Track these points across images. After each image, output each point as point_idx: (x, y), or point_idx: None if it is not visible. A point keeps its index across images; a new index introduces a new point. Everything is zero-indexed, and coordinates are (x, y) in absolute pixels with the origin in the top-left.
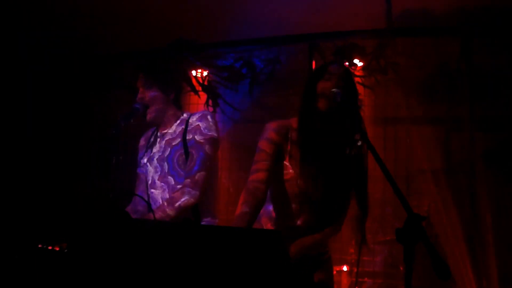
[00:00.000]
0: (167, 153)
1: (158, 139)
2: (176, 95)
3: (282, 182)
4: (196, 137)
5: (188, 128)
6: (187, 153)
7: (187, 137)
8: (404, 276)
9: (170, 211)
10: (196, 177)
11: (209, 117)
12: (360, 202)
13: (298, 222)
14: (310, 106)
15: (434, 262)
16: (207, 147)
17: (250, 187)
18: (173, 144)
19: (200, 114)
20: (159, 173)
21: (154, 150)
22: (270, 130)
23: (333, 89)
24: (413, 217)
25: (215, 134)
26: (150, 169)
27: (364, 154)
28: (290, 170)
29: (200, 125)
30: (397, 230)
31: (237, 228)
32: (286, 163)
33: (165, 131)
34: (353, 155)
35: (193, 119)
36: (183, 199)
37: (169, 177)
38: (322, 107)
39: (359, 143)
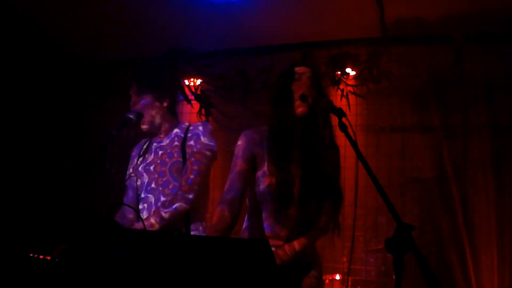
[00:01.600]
0: (164, 162)
1: (154, 148)
2: (170, 102)
3: (255, 193)
4: (195, 148)
5: (188, 140)
6: (184, 162)
7: (187, 149)
8: (395, 286)
9: (165, 215)
10: (191, 183)
11: (209, 128)
12: (333, 194)
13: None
14: (287, 108)
15: (423, 271)
16: (205, 158)
17: (226, 200)
18: (170, 153)
19: (201, 125)
20: (154, 181)
21: (149, 159)
22: (240, 141)
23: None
24: (403, 227)
25: (215, 146)
26: (145, 177)
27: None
28: (269, 177)
29: (201, 136)
30: (386, 240)
31: (225, 238)
32: (265, 169)
33: (161, 139)
34: (326, 153)
35: (193, 130)
36: (177, 204)
37: (165, 186)
38: (300, 109)
39: (326, 141)
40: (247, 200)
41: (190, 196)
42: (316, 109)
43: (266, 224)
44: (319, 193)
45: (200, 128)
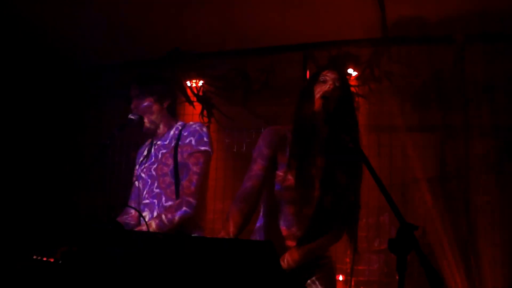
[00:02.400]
0: (160, 163)
1: (153, 150)
2: (170, 103)
3: (274, 192)
4: (191, 150)
5: (182, 140)
6: (176, 165)
7: (181, 150)
8: (398, 286)
9: (167, 221)
10: (194, 187)
11: (204, 129)
12: (351, 207)
13: (291, 233)
14: (308, 109)
15: (427, 271)
16: (202, 160)
17: (241, 195)
18: (166, 154)
19: (194, 127)
20: (155, 183)
21: (150, 160)
22: (264, 136)
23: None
24: (406, 227)
25: (209, 148)
26: (146, 179)
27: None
28: (289, 177)
29: (194, 138)
30: (389, 240)
31: (228, 239)
32: (283, 170)
33: (159, 141)
34: (348, 157)
35: (186, 131)
36: (182, 210)
37: (162, 188)
38: (319, 110)
39: (351, 145)
40: (263, 198)
41: (194, 201)
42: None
43: (282, 223)
44: (337, 198)
45: (196, 127)
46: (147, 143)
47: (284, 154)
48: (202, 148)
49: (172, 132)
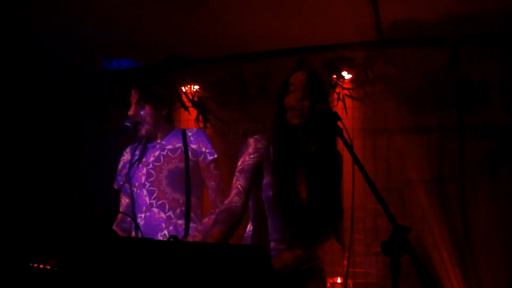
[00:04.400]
0: (163, 167)
1: (149, 153)
2: (168, 111)
3: (261, 199)
4: (205, 159)
5: (192, 147)
6: (188, 169)
7: (195, 157)
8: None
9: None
10: (221, 192)
11: (207, 136)
12: (336, 207)
13: (280, 237)
14: (282, 120)
15: (420, 273)
16: (216, 168)
17: (227, 206)
18: (169, 158)
19: (199, 131)
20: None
21: (145, 164)
22: (246, 146)
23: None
24: (398, 229)
25: (216, 154)
26: (142, 182)
27: (338, 156)
28: (275, 184)
29: (206, 141)
30: (382, 243)
31: (222, 244)
32: (268, 178)
33: (157, 145)
34: (328, 160)
35: (194, 135)
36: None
37: (166, 191)
38: (293, 120)
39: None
40: (251, 204)
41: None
42: (314, 115)
43: (271, 229)
44: (322, 201)
45: (201, 133)
46: (134, 146)
47: (268, 162)
48: (215, 156)
49: (172, 137)
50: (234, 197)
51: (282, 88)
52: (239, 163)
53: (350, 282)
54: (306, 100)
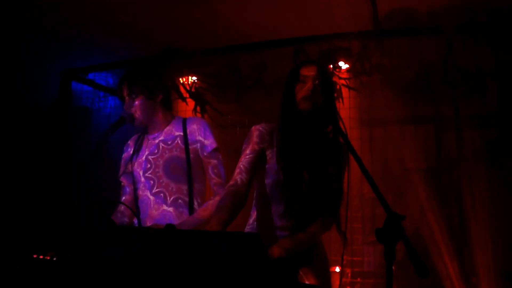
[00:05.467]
0: (163, 156)
1: (149, 143)
2: (163, 97)
3: (264, 185)
4: (209, 146)
5: (192, 137)
6: (188, 158)
7: (193, 146)
8: (386, 275)
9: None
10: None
11: (208, 126)
12: (337, 195)
13: (283, 224)
14: (291, 108)
15: (412, 260)
16: (221, 155)
17: (230, 190)
18: (169, 147)
19: (200, 120)
20: (154, 175)
21: (145, 154)
22: (252, 133)
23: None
24: (392, 217)
25: (217, 144)
26: (142, 172)
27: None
28: (278, 171)
29: (208, 130)
30: (377, 230)
31: (217, 232)
32: (274, 163)
33: (156, 134)
34: (331, 148)
35: (194, 124)
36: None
37: (167, 181)
38: (304, 108)
39: (331, 136)
40: (255, 191)
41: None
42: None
43: (275, 216)
44: (324, 188)
45: (202, 123)
46: (136, 137)
47: (272, 150)
48: (216, 144)
49: (172, 126)
50: (235, 183)
51: (292, 77)
52: (245, 146)
53: (348, 270)
54: (316, 92)
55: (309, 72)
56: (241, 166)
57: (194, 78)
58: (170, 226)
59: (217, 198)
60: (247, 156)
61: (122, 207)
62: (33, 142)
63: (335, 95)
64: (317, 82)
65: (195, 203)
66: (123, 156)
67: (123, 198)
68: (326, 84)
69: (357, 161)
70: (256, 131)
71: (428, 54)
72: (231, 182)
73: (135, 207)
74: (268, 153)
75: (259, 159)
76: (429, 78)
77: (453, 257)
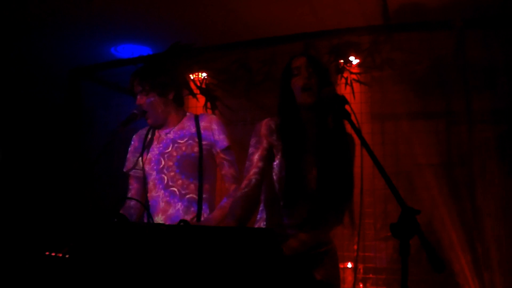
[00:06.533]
0: (175, 153)
1: (161, 139)
2: (176, 94)
3: (273, 181)
4: (222, 143)
5: (204, 134)
6: (201, 155)
7: (205, 143)
8: (402, 270)
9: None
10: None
11: (220, 123)
12: (347, 190)
13: (292, 221)
14: (290, 104)
15: (429, 255)
16: (229, 155)
17: (244, 192)
18: (181, 144)
19: (212, 117)
20: (166, 172)
21: (156, 150)
22: (257, 129)
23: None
24: (408, 211)
25: (229, 141)
26: (153, 168)
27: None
28: (285, 167)
29: (221, 130)
30: (391, 225)
31: (231, 228)
32: (278, 161)
33: (168, 130)
34: (337, 141)
35: (205, 124)
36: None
37: (179, 177)
38: (307, 100)
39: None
40: (263, 188)
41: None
42: (321, 100)
43: (283, 212)
44: (333, 183)
45: (214, 120)
46: (144, 131)
47: (278, 146)
48: (228, 140)
49: (184, 123)
50: (249, 175)
51: (286, 73)
52: (252, 144)
53: (360, 266)
54: (313, 78)
55: (299, 62)
56: (254, 165)
57: (204, 74)
58: (184, 222)
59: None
60: (258, 154)
61: (131, 202)
62: (44, 140)
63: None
64: (310, 70)
65: (205, 200)
66: (129, 149)
67: (132, 193)
68: (320, 71)
69: (371, 156)
70: (263, 125)
71: (438, 48)
72: (245, 182)
73: (145, 201)
74: (275, 149)
75: (269, 156)
76: (440, 72)
77: (466, 252)
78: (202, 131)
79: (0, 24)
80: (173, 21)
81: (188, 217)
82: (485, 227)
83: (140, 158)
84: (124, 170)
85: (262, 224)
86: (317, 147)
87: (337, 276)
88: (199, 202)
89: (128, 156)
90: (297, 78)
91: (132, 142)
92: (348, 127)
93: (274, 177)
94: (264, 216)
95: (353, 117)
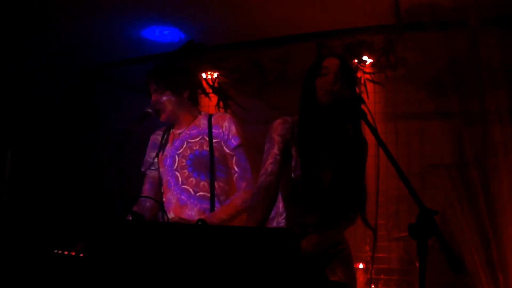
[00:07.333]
0: (187, 152)
1: (175, 138)
2: (190, 92)
3: (290, 179)
4: (233, 141)
5: (217, 132)
6: (212, 153)
7: (217, 141)
8: (419, 271)
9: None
10: (250, 180)
11: (233, 121)
12: (361, 190)
13: (309, 219)
14: (311, 103)
15: (448, 256)
16: (244, 150)
17: (261, 189)
18: (193, 143)
19: (226, 115)
20: (179, 171)
21: (170, 149)
22: (274, 127)
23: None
24: (426, 212)
25: (241, 140)
26: (167, 167)
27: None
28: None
29: (233, 129)
30: (409, 226)
31: (250, 228)
32: (295, 160)
33: (182, 130)
34: (353, 143)
35: (218, 123)
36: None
37: (191, 176)
38: (324, 102)
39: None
40: (280, 187)
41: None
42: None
43: (299, 211)
44: (347, 184)
45: (227, 119)
46: (161, 130)
47: (295, 145)
48: (240, 138)
49: (196, 122)
50: (264, 176)
51: (313, 70)
52: (268, 144)
53: (372, 267)
54: (338, 84)
55: (331, 64)
56: (271, 156)
57: (216, 73)
58: (202, 221)
59: (240, 194)
60: (276, 148)
61: (145, 201)
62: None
63: (360, 90)
64: (339, 75)
65: (217, 199)
66: (147, 149)
67: (146, 192)
68: (348, 77)
69: (388, 155)
70: (278, 125)
71: (452, 48)
72: (262, 171)
73: (160, 200)
74: (292, 148)
75: (285, 155)
76: (454, 72)
77: (480, 254)
78: (213, 130)
79: (24, 10)
80: (185, 21)
81: (201, 216)
82: (500, 227)
83: (156, 158)
84: (142, 169)
85: (278, 220)
86: (334, 147)
87: (353, 276)
88: (212, 201)
89: (146, 156)
90: (323, 78)
91: (149, 142)
92: (364, 127)
93: (292, 176)
94: (280, 212)
95: (369, 117)
